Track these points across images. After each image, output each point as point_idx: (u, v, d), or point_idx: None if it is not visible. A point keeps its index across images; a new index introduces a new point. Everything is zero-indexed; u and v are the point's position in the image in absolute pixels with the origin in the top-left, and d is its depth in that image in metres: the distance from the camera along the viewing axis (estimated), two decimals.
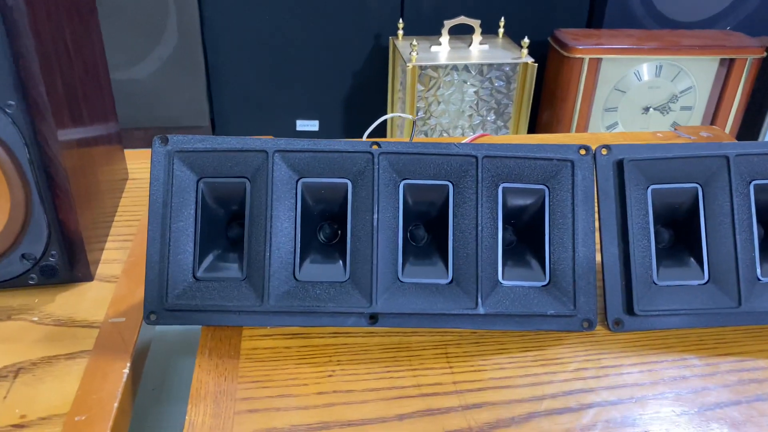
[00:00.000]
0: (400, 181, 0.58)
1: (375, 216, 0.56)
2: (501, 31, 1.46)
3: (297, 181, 0.57)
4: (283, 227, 0.57)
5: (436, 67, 1.33)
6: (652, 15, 1.54)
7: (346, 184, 0.57)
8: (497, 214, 0.58)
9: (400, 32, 1.44)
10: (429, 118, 1.36)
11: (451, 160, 0.58)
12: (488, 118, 1.40)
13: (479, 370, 0.54)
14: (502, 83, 1.34)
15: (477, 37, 1.38)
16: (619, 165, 0.60)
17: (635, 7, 1.50)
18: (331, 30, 1.55)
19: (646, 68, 1.43)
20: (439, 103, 1.34)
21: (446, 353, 0.56)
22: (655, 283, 0.59)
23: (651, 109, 1.48)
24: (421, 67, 1.32)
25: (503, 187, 0.59)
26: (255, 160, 0.57)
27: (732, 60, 1.44)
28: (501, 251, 0.58)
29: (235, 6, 1.50)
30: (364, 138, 0.72)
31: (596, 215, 0.59)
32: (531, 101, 1.37)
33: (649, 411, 0.51)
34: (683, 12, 1.55)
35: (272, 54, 1.58)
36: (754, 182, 0.59)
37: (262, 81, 1.58)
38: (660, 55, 1.41)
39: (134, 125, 1.48)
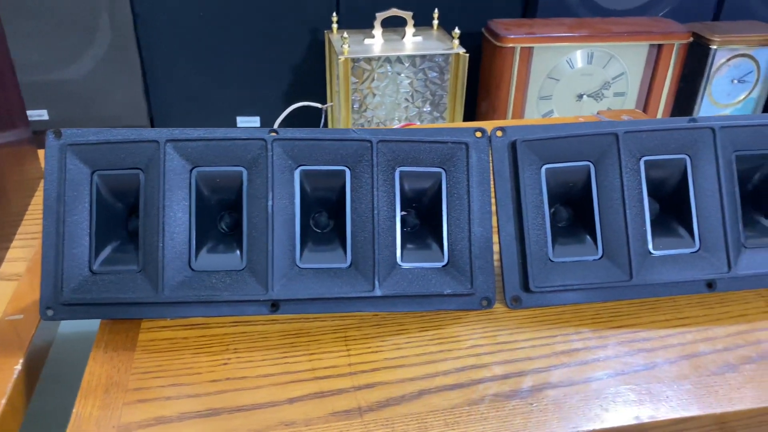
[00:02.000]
0: (296, 168, 0.58)
1: (270, 203, 0.56)
2: (435, 22, 1.47)
3: (191, 171, 0.57)
4: (177, 217, 0.56)
5: (368, 60, 1.34)
6: (586, 4, 1.57)
7: (241, 172, 0.57)
8: (395, 198, 0.59)
9: (335, 26, 1.44)
10: (365, 111, 1.36)
11: (347, 146, 0.59)
12: (424, 109, 1.41)
13: (376, 351, 0.55)
14: (435, 74, 1.35)
15: (410, 29, 1.39)
16: (513, 146, 0.61)
17: None
18: (267, 25, 1.54)
19: (578, 56, 1.46)
20: (374, 95, 1.35)
21: (346, 336, 0.57)
22: (551, 260, 0.60)
23: (585, 96, 1.51)
24: (354, 60, 1.32)
25: (400, 171, 0.59)
26: (147, 151, 0.57)
27: (660, 45, 1.48)
28: (399, 234, 0.59)
29: (168, 2, 1.49)
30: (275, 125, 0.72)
31: (493, 196, 0.60)
32: (465, 91, 1.38)
33: (538, 384, 0.52)
34: (616, 1, 1.58)
35: (210, 50, 1.57)
36: (644, 158, 0.61)
37: (201, 77, 1.57)
38: (590, 42, 1.43)
39: (71, 126, 1.45)
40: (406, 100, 1.37)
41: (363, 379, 0.52)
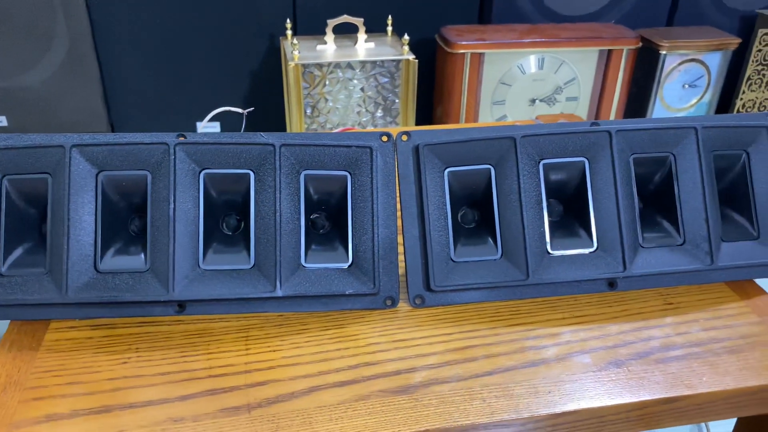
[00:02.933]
0: (200, 171, 0.60)
1: (171, 206, 0.58)
2: (390, 29, 1.49)
3: (96, 175, 0.59)
4: (83, 220, 0.58)
5: (319, 65, 1.35)
6: (541, 11, 1.59)
7: (146, 175, 0.59)
8: (299, 200, 0.60)
9: (289, 32, 1.46)
10: (318, 116, 1.38)
11: (251, 149, 0.60)
12: (377, 114, 1.43)
13: (275, 350, 0.56)
14: (386, 80, 1.37)
15: (362, 36, 1.40)
16: (417, 150, 0.62)
17: (523, 4, 1.55)
18: (226, 32, 1.56)
19: (529, 61, 1.48)
20: (326, 100, 1.37)
21: (247, 336, 0.58)
22: (453, 260, 0.62)
23: (537, 101, 1.53)
24: (304, 66, 1.34)
25: (305, 174, 0.61)
26: (55, 156, 0.58)
27: (610, 51, 1.50)
28: (303, 236, 0.60)
29: (125, 9, 1.50)
30: (199, 130, 0.73)
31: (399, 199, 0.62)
32: (416, 97, 1.40)
33: (426, 380, 0.53)
34: (570, 7, 1.60)
35: (169, 56, 1.58)
36: (543, 161, 0.63)
37: (161, 83, 1.58)
38: (540, 48, 1.46)
39: (31, 133, 1.46)
40: (359, 105, 1.39)
41: (257, 377, 0.53)
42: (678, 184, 0.64)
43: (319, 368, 0.55)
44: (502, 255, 0.62)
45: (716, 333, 0.59)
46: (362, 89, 1.35)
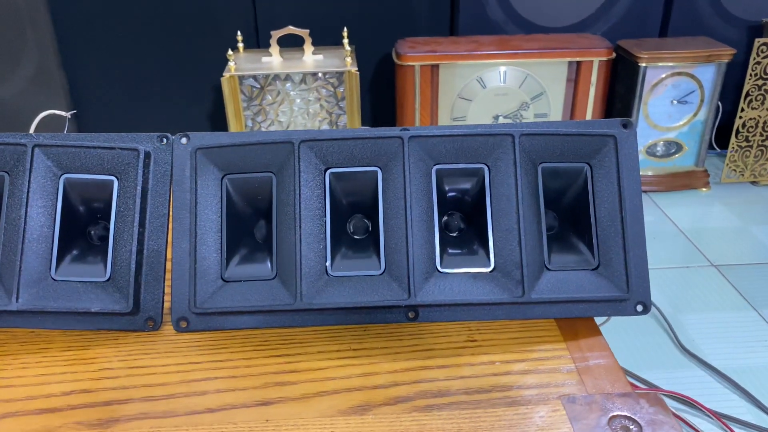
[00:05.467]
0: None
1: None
2: (346, 41, 1.43)
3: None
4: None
5: (257, 77, 1.31)
6: (518, 22, 1.49)
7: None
8: (55, 210, 0.55)
9: (240, 45, 1.43)
10: (259, 129, 1.34)
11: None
12: (324, 128, 1.37)
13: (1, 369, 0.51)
14: (329, 92, 1.31)
15: (308, 48, 1.35)
16: (194, 154, 0.56)
17: (496, 15, 1.45)
18: (187, 44, 1.56)
19: (490, 75, 1.38)
20: (267, 113, 1.32)
21: None
22: (224, 280, 0.55)
23: (501, 117, 1.42)
24: (241, 78, 1.30)
25: (65, 179, 0.56)
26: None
27: (579, 63, 1.37)
28: (56, 246, 0.55)
29: (90, 24, 1.52)
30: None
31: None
32: (360, 109, 1.33)
33: (129, 414, 0.47)
34: (549, 18, 1.49)
35: (134, 71, 1.59)
36: (330, 170, 0.55)
37: (128, 98, 1.59)
38: (500, 60, 1.35)
39: None
40: (303, 117, 1.33)
41: None
42: (491, 201, 0.55)
43: (28, 392, 0.49)
44: (276, 275, 0.55)
45: (507, 379, 0.49)
46: (304, 102, 1.30)
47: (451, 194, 0.56)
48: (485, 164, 0.55)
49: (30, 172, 0.55)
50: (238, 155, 0.56)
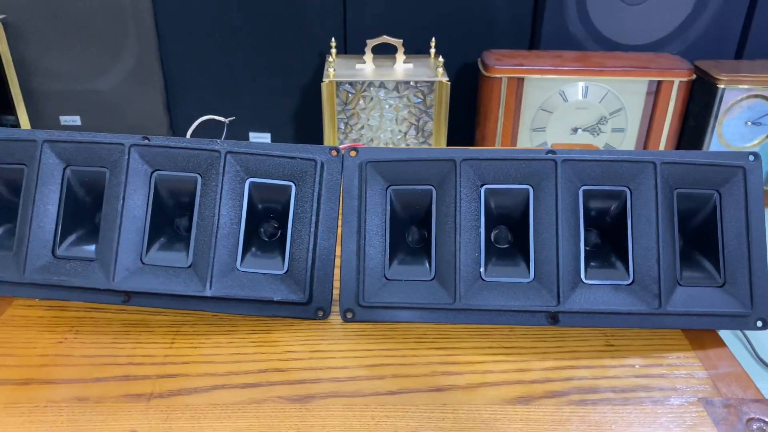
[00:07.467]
0: (152, 173, 0.64)
1: (121, 203, 0.62)
2: (433, 51, 1.49)
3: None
4: (47, 210, 0.63)
5: (353, 83, 1.39)
6: (597, 39, 1.54)
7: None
8: (241, 210, 0.63)
9: (333, 50, 1.51)
10: (351, 132, 1.41)
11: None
12: (409, 134, 1.44)
13: (196, 347, 0.59)
14: (419, 100, 1.38)
15: (400, 57, 1.42)
16: (363, 166, 0.63)
17: (577, 31, 1.50)
18: (280, 48, 1.64)
19: (572, 89, 1.43)
20: (359, 117, 1.39)
21: (177, 331, 0.61)
22: (386, 278, 0.62)
23: (580, 130, 1.48)
24: (338, 83, 1.38)
25: (250, 182, 0.64)
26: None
27: (660, 82, 1.42)
28: (242, 241, 0.63)
29: (189, 24, 1.61)
30: (188, 136, 0.78)
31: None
32: (447, 118, 1.40)
33: (324, 391, 0.54)
34: (628, 36, 1.54)
35: (226, 69, 1.68)
36: (484, 186, 0.62)
37: (217, 95, 1.68)
38: (583, 76, 1.41)
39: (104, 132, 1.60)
40: (391, 123, 1.40)
41: (169, 370, 0.56)
42: (632, 221, 0.61)
43: (229, 368, 0.56)
44: (434, 277, 0.62)
45: (648, 381, 0.56)
46: (394, 108, 1.37)
47: (594, 212, 0.62)
48: (627, 187, 0.61)
49: (222, 175, 0.62)
50: (402, 169, 0.63)
